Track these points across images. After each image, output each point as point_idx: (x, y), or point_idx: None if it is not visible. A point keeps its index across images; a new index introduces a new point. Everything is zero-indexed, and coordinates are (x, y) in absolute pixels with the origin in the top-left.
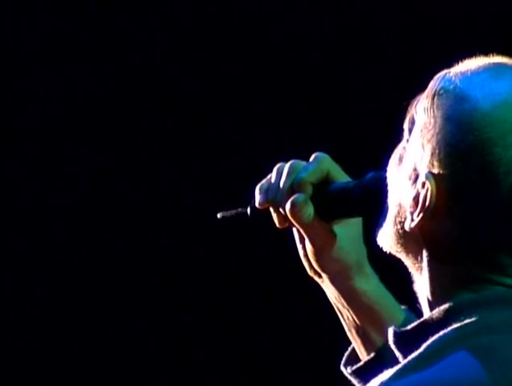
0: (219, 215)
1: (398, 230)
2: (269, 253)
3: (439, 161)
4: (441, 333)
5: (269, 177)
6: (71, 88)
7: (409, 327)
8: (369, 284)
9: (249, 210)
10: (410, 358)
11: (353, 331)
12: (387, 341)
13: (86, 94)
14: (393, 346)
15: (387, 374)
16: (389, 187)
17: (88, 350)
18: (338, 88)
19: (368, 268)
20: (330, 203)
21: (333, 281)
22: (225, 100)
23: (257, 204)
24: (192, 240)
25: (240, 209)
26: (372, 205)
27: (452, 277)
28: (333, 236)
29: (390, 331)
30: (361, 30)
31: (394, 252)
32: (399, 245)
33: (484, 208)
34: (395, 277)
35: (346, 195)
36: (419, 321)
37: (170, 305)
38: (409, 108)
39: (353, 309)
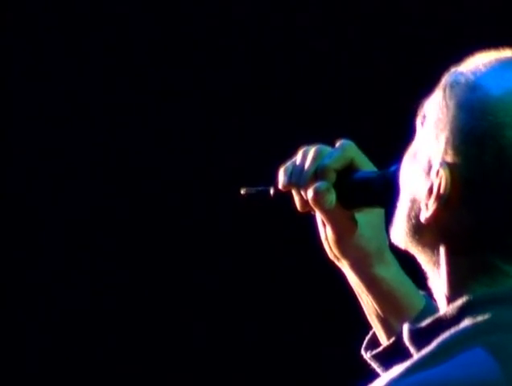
0: (242, 191)
1: (412, 225)
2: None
3: (453, 149)
4: (452, 330)
5: (294, 159)
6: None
7: (423, 324)
8: (389, 271)
9: (272, 190)
10: (420, 355)
11: (373, 316)
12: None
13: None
14: (408, 343)
15: (396, 370)
16: (401, 184)
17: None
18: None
19: (388, 256)
20: (353, 192)
21: (353, 267)
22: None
23: (280, 186)
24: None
25: (263, 188)
26: (394, 198)
27: (468, 268)
28: (354, 223)
29: (405, 328)
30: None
31: (409, 248)
32: (415, 241)
33: (497, 193)
34: (416, 264)
35: (369, 186)
36: (433, 317)
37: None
38: (421, 105)
39: (372, 295)
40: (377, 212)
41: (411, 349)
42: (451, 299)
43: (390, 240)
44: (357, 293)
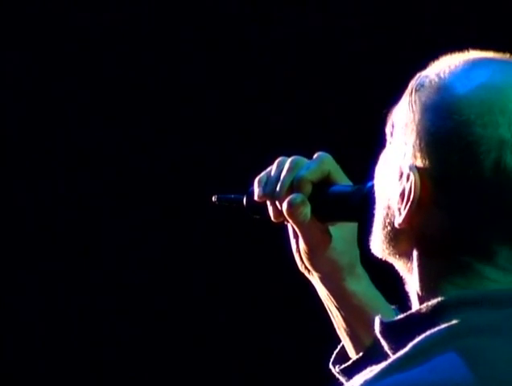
0: (214, 198)
1: (388, 232)
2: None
3: (421, 151)
4: (428, 333)
5: (269, 169)
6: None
7: (396, 319)
8: (360, 285)
9: (245, 199)
10: (395, 357)
11: (342, 330)
12: (375, 338)
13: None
14: (378, 335)
15: (372, 372)
16: (376, 193)
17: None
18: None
19: (360, 270)
20: (328, 206)
21: (324, 280)
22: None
23: (255, 197)
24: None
25: (236, 196)
26: (372, 212)
27: (442, 269)
28: (328, 236)
29: (377, 321)
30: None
31: (386, 257)
32: (391, 248)
33: (467, 192)
34: (387, 278)
35: (345, 201)
36: (406, 313)
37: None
38: (390, 114)
39: (342, 308)
40: (350, 226)
41: (382, 341)
42: (423, 298)
43: (361, 254)
44: (326, 306)
